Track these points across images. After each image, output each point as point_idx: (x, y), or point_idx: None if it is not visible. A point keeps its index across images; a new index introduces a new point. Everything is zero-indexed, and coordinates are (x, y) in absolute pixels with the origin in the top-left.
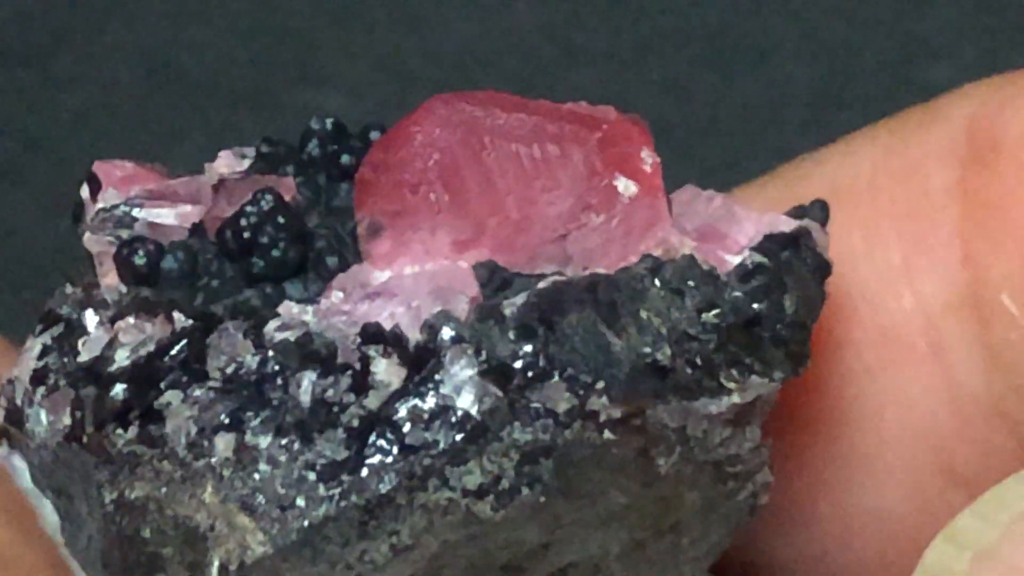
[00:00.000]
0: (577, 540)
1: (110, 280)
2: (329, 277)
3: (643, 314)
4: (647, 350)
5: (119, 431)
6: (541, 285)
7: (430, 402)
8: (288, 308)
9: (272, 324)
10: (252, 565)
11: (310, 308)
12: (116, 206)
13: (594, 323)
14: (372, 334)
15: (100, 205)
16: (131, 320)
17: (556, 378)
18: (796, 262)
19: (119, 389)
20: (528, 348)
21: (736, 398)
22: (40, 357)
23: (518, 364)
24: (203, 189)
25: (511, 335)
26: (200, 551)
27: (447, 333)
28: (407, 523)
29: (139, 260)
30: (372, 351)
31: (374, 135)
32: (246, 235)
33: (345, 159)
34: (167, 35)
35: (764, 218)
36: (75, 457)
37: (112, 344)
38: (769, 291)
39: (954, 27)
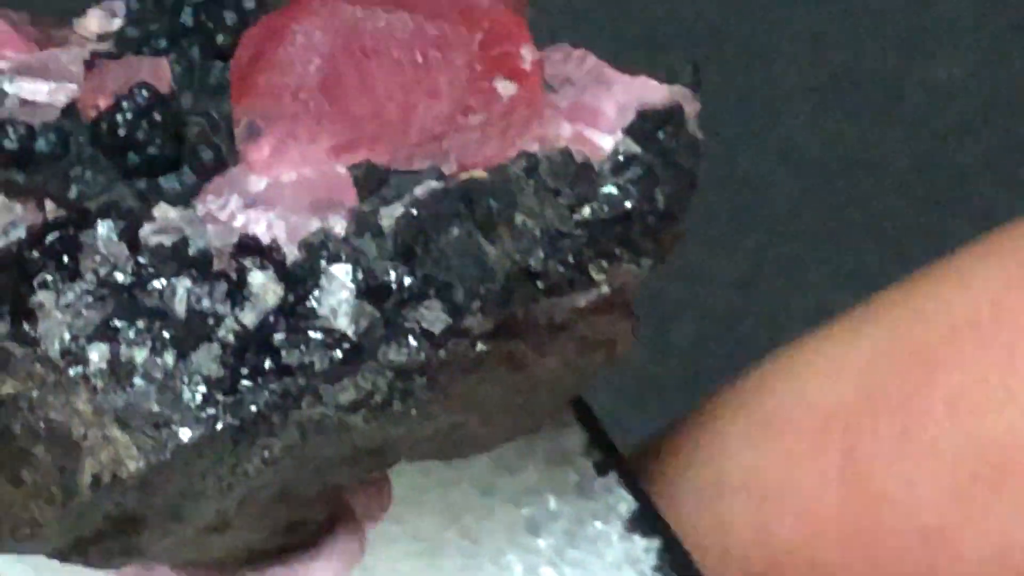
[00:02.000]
0: (443, 420)
1: None
2: (204, 172)
3: (518, 219)
4: (520, 257)
5: None
6: (418, 192)
7: (306, 323)
8: (164, 211)
9: (147, 228)
10: (125, 479)
11: (186, 213)
12: None
13: (470, 236)
14: (249, 247)
15: None
16: (1, 199)
17: (432, 297)
18: (668, 145)
19: None
20: (405, 268)
21: (605, 288)
22: None
23: (394, 284)
24: (75, 64)
25: (388, 253)
26: (72, 457)
27: (324, 253)
28: (280, 438)
29: (9, 144)
30: (248, 262)
31: (249, 4)
32: (121, 132)
33: (220, 39)
34: None
35: (635, 83)
36: None
37: None
38: (641, 185)
39: (955, 26)
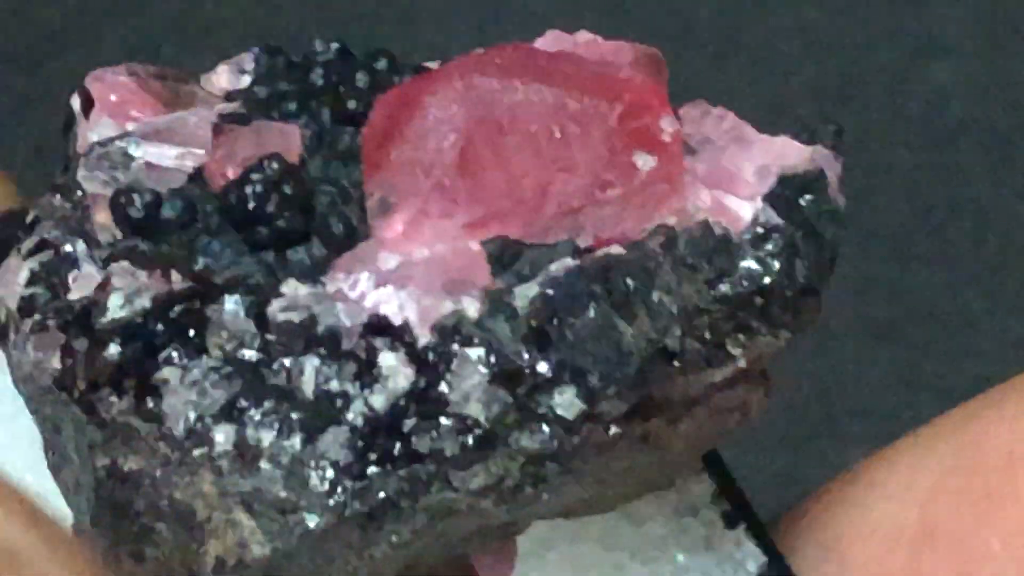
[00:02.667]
0: (574, 495)
1: (102, 218)
2: (334, 245)
3: (654, 296)
4: (657, 336)
5: (113, 398)
6: (553, 269)
7: (438, 409)
8: (293, 288)
9: (276, 304)
10: (250, 563)
11: (315, 289)
12: (112, 140)
13: (605, 317)
14: (380, 327)
15: (94, 138)
16: (125, 265)
17: (566, 383)
18: (809, 214)
19: (113, 350)
20: (539, 352)
21: (742, 362)
22: (27, 284)
23: (528, 369)
24: (203, 128)
25: (522, 336)
26: (195, 537)
27: (457, 337)
28: (409, 524)
29: (135, 213)
30: (379, 342)
31: (381, 64)
32: (251, 205)
33: (352, 104)
34: (166, 36)
35: (776, 144)
36: (65, 405)
37: (105, 286)
38: (781, 259)
39: (956, 26)
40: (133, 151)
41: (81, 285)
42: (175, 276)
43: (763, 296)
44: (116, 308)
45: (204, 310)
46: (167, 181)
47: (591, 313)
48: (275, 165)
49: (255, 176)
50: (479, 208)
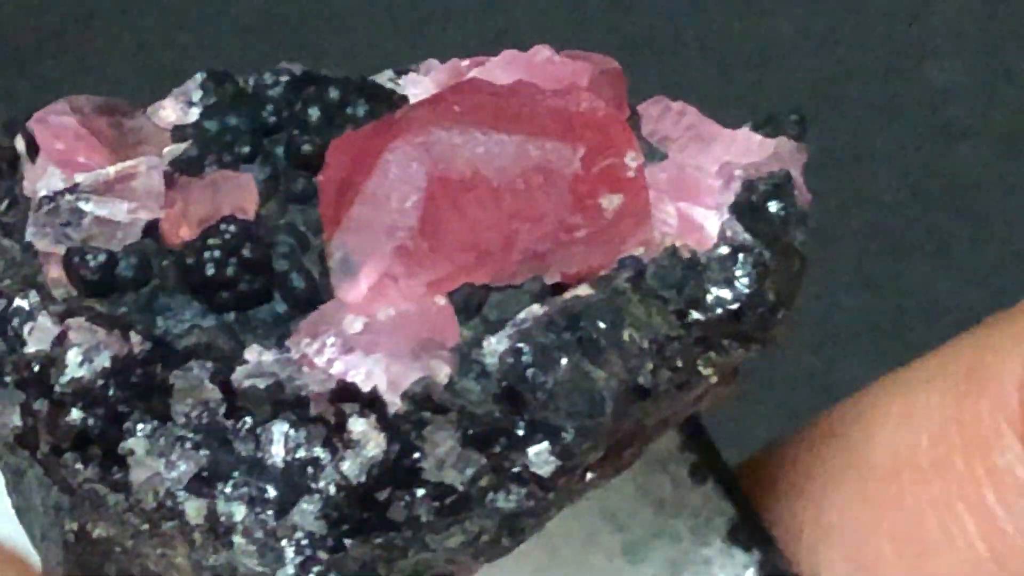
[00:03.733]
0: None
1: (56, 274)
2: (295, 303)
3: (625, 335)
4: (629, 375)
5: (78, 464)
6: (521, 318)
7: (411, 477)
8: (256, 353)
9: (240, 371)
10: None
11: (280, 356)
12: (61, 194)
13: (576, 367)
14: (349, 394)
15: (42, 188)
16: (83, 321)
17: (540, 440)
18: (777, 223)
19: (76, 415)
20: (512, 411)
21: (714, 379)
22: None
23: (502, 430)
24: (155, 177)
25: (494, 395)
26: None
27: (429, 404)
28: None
29: (91, 274)
30: (348, 408)
31: (332, 95)
32: (210, 271)
33: (306, 149)
34: (166, 36)
35: (738, 138)
36: (28, 460)
37: (63, 340)
38: (751, 280)
39: (954, 27)
40: (84, 206)
41: (37, 338)
42: (134, 336)
43: (734, 318)
44: (75, 366)
45: (167, 376)
46: (121, 237)
47: (563, 366)
48: (232, 228)
49: (212, 241)
50: (444, 265)
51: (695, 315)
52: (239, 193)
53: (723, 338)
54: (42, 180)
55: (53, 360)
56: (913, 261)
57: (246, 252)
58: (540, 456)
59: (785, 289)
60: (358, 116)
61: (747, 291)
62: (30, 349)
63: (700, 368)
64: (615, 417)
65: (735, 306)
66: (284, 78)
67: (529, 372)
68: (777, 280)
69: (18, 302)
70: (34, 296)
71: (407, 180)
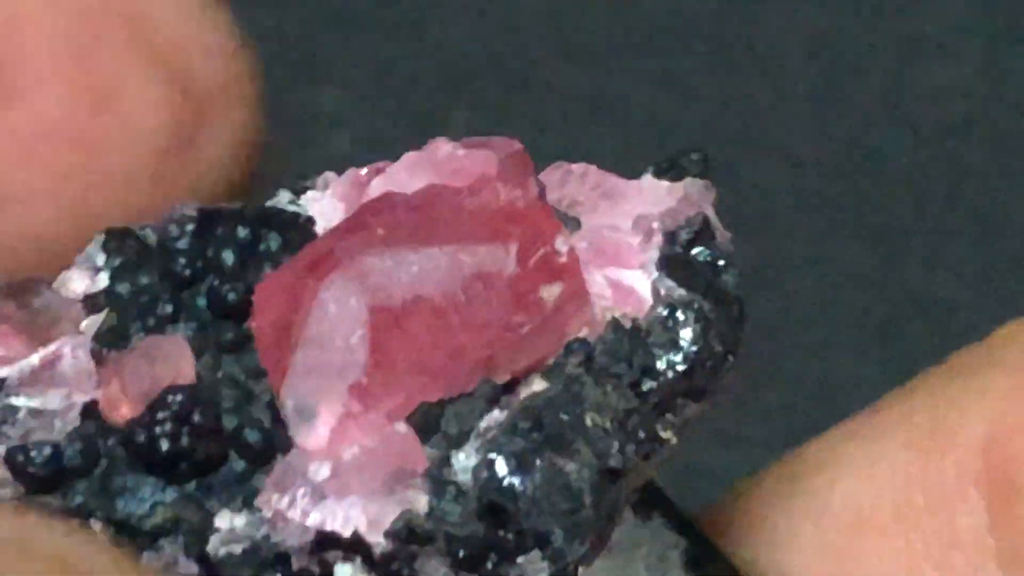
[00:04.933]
0: None
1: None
2: (253, 457)
3: (588, 420)
4: (600, 461)
5: None
6: (483, 427)
7: None
8: (228, 519)
9: (214, 540)
10: None
11: (252, 518)
12: None
13: (551, 465)
14: (330, 541)
15: None
16: (33, 519)
17: (531, 549)
18: (705, 270)
19: None
20: (496, 525)
21: (674, 441)
22: None
23: (489, 547)
24: (82, 358)
25: (475, 512)
26: None
27: (414, 536)
28: None
29: (37, 471)
30: (331, 555)
31: (243, 234)
32: (164, 445)
33: (231, 297)
34: None
35: (645, 189)
36: None
37: None
38: (694, 336)
39: (954, 27)
40: (15, 402)
41: None
42: (94, 523)
43: (686, 377)
44: None
45: (138, 560)
46: (59, 426)
47: (538, 468)
48: (179, 397)
49: (161, 415)
50: (399, 392)
51: (649, 383)
52: (174, 358)
53: (677, 398)
54: None
55: None
56: (913, 261)
57: (197, 418)
58: (533, 565)
59: (729, 337)
60: (272, 251)
61: (694, 348)
62: None
63: (661, 434)
64: (595, 506)
65: (684, 366)
66: (189, 226)
67: (506, 482)
68: (720, 329)
69: None
70: None
71: (348, 317)
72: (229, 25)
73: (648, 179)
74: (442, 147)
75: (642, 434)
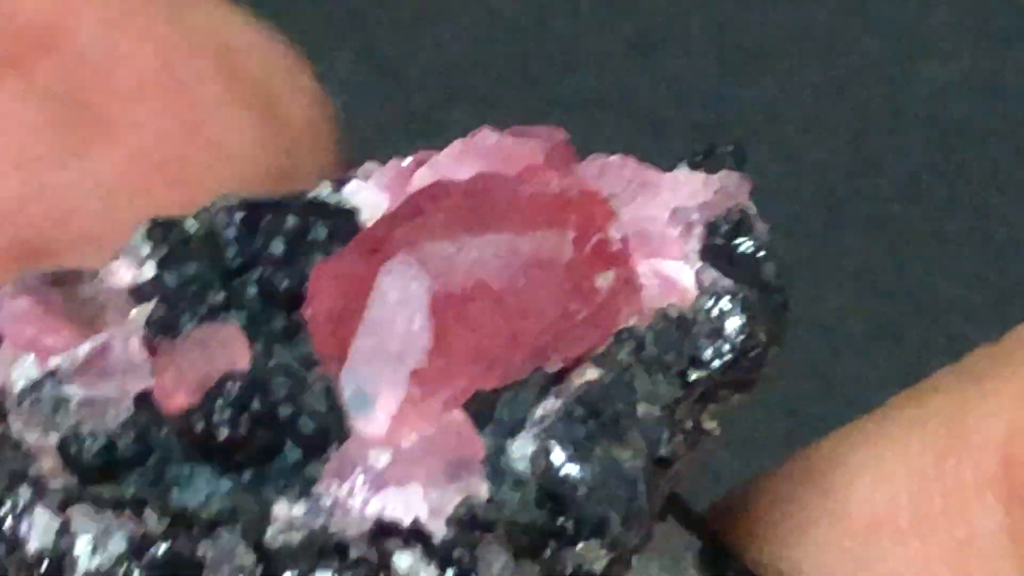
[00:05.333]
0: None
1: (50, 465)
2: (309, 446)
3: (640, 409)
4: (651, 449)
5: None
6: (539, 415)
7: None
8: (285, 508)
9: (272, 529)
10: None
11: (311, 506)
12: (40, 383)
13: (607, 453)
14: (388, 530)
15: (18, 379)
16: (85, 507)
17: (590, 536)
18: (749, 261)
19: None
20: (556, 512)
21: (717, 431)
22: None
23: (550, 535)
24: (134, 348)
25: (534, 502)
26: None
27: (476, 524)
28: None
29: (90, 460)
30: (390, 543)
31: (290, 223)
32: (223, 433)
33: (284, 285)
34: None
35: (681, 181)
36: None
37: (66, 531)
38: (742, 325)
39: (954, 27)
40: (67, 391)
41: (38, 534)
42: (148, 512)
43: (731, 367)
44: (87, 556)
45: (194, 548)
46: (112, 414)
47: (596, 456)
48: (237, 385)
49: (220, 403)
50: (458, 380)
51: (696, 373)
52: (229, 347)
53: (721, 388)
54: (16, 370)
55: (62, 555)
56: (913, 261)
57: (255, 406)
58: (592, 552)
59: (773, 327)
60: (320, 240)
61: (740, 338)
62: (32, 547)
63: (705, 424)
64: (648, 495)
65: (731, 356)
66: (238, 215)
67: (564, 470)
68: (765, 319)
69: (9, 501)
70: (25, 490)
71: (409, 302)
72: (312, 72)
73: (683, 171)
74: (487, 135)
75: (689, 424)
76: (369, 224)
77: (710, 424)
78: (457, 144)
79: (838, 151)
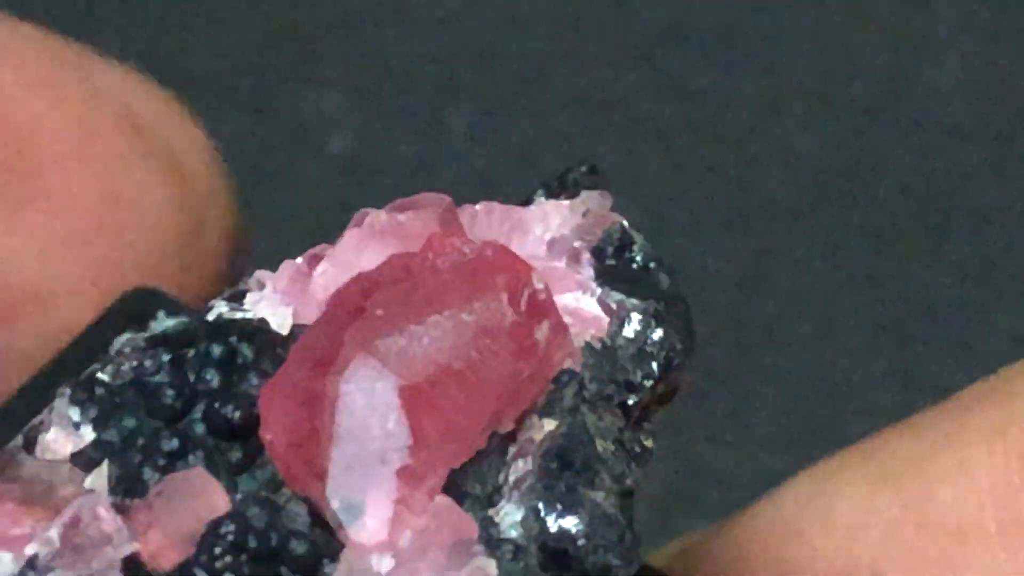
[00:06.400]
0: None
1: None
2: (304, 567)
3: (599, 447)
4: (618, 484)
5: None
6: (513, 480)
7: None
8: None
9: None
10: None
11: None
12: None
13: (591, 500)
14: None
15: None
16: None
17: None
18: (646, 275)
19: None
20: (561, 573)
21: (652, 447)
22: None
23: None
24: (105, 519)
25: (539, 566)
26: None
27: None
28: None
29: None
30: None
31: (216, 351)
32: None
33: (237, 416)
34: (167, 35)
35: (546, 210)
36: None
37: None
38: (660, 341)
39: (954, 26)
40: None
41: None
42: None
43: (660, 383)
44: None
45: None
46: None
47: (582, 505)
48: (232, 527)
49: (218, 550)
50: (439, 466)
51: (632, 398)
52: (204, 492)
53: (650, 406)
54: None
55: None
56: (913, 261)
57: (252, 544)
58: None
59: (685, 334)
60: (251, 361)
61: (663, 353)
62: None
63: (645, 443)
64: (631, 529)
65: (658, 373)
66: (164, 357)
67: (559, 526)
68: (677, 328)
69: None
70: None
71: (379, 403)
72: (206, 134)
73: (546, 202)
74: (377, 217)
75: (637, 448)
76: (280, 333)
77: (648, 443)
78: (351, 234)
79: (838, 151)
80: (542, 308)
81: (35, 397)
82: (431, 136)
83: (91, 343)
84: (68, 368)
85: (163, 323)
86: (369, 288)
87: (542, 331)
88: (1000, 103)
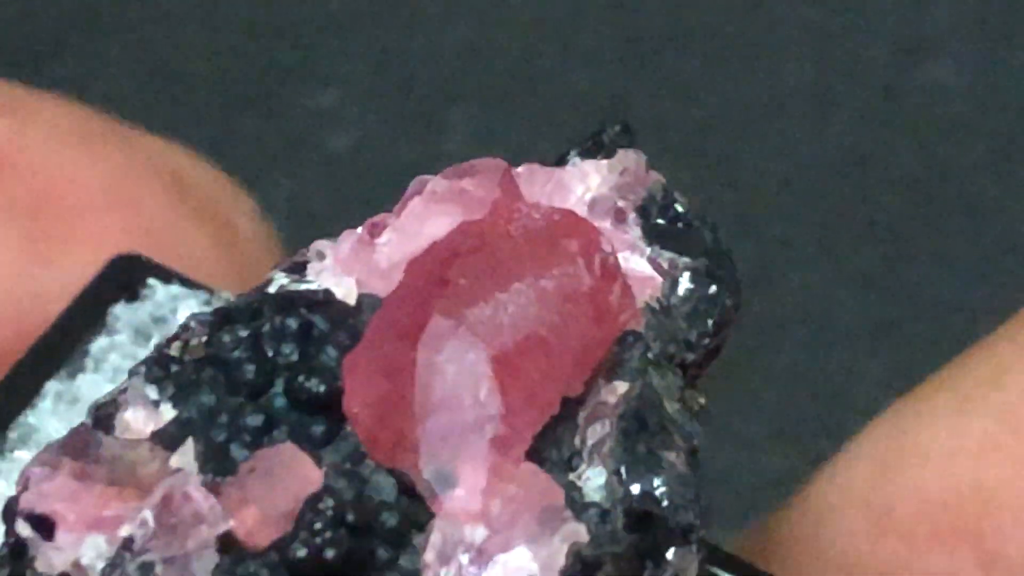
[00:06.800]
0: None
1: None
2: (395, 539)
3: (668, 408)
4: (686, 443)
5: None
6: (592, 443)
7: None
8: None
9: None
10: None
11: None
12: (119, 559)
13: (667, 460)
14: None
15: (99, 564)
16: None
17: (679, 544)
18: (692, 231)
19: None
20: (645, 533)
21: (706, 404)
22: None
23: (644, 553)
24: (195, 497)
25: (625, 529)
26: None
27: (588, 567)
28: None
29: None
30: None
31: (292, 325)
32: (330, 555)
33: (319, 389)
34: (167, 36)
35: (586, 171)
36: None
37: None
38: (713, 297)
39: (954, 26)
40: (149, 558)
41: None
42: None
43: (714, 339)
44: None
45: None
46: (195, 567)
47: (662, 465)
48: (330, 502)
49: (319, 525)
50: (527, 434)
51: (691, 356)
52: (296, 467)
53: (702, 364)
54: (86, 551)
55: None
56: (913, 261)
57: (351, 518)
58: (683, 559)
59: (733, 288)
60: (325, 333)
61: (716, 309)
62: None
63: (701, 401)
64: (702, 487)
65: (713, 329)
66: (241, 333)
67: (643, 488)
68: (728, 284)
69: None
70: None
71: (470, 373)
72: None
73: (582, 162)
74: (437, 184)
75: (696, 406)
76: (347, 303)
77: (703, 400)
78: (414, 202)
79: (838, 151)
80: (613, 271)
81: (38, 365)
82: (431, 136)
83: (85, 311)
84: (67, 335)
85: (221, 296)
86: (448, 258)
87: (615, 294)
88: (1000, 103)
